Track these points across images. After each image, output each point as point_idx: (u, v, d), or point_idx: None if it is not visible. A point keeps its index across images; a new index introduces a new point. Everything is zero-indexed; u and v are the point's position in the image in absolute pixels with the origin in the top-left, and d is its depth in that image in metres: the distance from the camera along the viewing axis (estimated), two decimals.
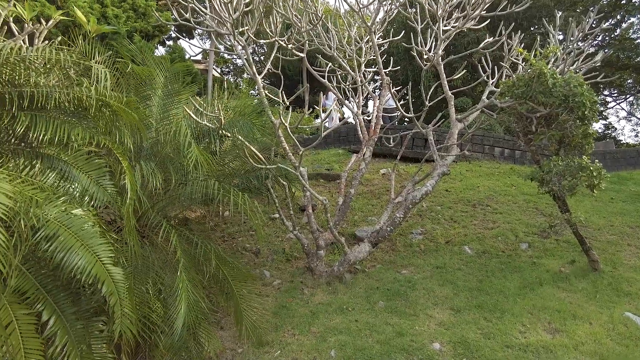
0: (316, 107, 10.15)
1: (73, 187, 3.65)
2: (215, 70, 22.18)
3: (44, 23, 5.18)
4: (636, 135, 23.17)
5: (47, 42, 5.30)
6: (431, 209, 8.26)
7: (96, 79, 3.08)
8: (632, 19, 18.75)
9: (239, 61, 26.15)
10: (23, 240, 2.59)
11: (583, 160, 4.95)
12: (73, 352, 3.04)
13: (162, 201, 4.74)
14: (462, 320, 5.12)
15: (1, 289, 2.63)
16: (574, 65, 6.12)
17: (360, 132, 7.82)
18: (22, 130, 3.16)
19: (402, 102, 8.08)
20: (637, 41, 18.65)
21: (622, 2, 17.71)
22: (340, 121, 12.26)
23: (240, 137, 4.85)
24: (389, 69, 8.29)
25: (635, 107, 21.65)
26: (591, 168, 4.85)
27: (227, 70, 25.28)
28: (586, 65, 6.43)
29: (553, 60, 5.89)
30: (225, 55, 23.94)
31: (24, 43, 4.60)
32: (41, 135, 3.23)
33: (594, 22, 6.41)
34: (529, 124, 5.43)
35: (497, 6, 6.69)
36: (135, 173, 3.70)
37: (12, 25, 5.11)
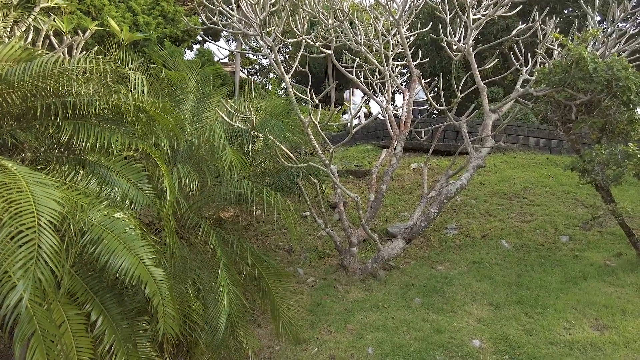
0: (345, 103, 10.10)
1: (113, 191, 3.78)
2: (242, 71, 22.48)
3: (81, 34, 5.38)
4: None
5: (84, 52, 5.51)
6: (466, 203, 8.07)
7: (133, 86, 3.17)
8: None
9: (265, 61, 26.40)
10: (72, 244, 2.70)
11: (629, 148, 4.70)
12: (120, 351, 3.15)
13: (197, 202, 4.85)
14: (502, 316, 4.98)
15: (54, 291, 2.75)
16: (616, 48, 5.81)
17: (390, 127, 7.73)
18: (66, 138, 3.30)
19: (432, 94, 7.92)
20: None
21: None
22: (366, 117, 12.17)
23: (271, 137, 4.89)
24: (418, 61, 8.13)
25: None
26: (639, 156, 4.60)
27: (253, 71, 25.53)
28: (630, 47, 6.10)
29: (592, 43, 5.61)
30: (251, 57, 24.19)
31: (64, 55, 4.80)
32: (83, 143, 3.35)
33: (637, 1, 6.05)
34: (567, 112, 5.20)
35: None
36: (173, 176, 3.79)
37: (52, 38, 5.34)
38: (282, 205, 4.38)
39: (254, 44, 24.19)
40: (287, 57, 22.98)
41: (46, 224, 2.30)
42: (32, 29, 4.92)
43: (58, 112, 3.20)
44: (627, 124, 5.08)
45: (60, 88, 3.20)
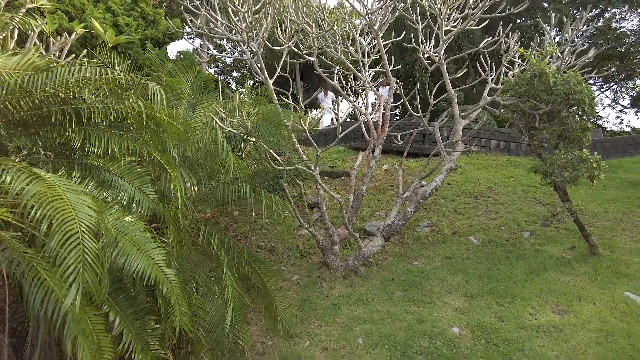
0: (322, 105, 10.40)
1: (119, 195, 3.89)
2: (208, 70, 22.24)
3: (66, 36, 5.35)
4: (620, 123, 23.92)
5: (72, 55, 5.47)
6: (435, 202, 8.62)
7: (152, 97, 3.30)
8: (614, 10, 19.34)
9: (228, 60, 26.19)
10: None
11: (583, 153, 5.33)
12: (137, 349, 3.29)
13: (192, 204, 4.98)
14: (476, 305, 5.48)
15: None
16: (569, 62, 6.50)
17: (364, 131, 8.12)
18: (78, 144, 3.38)
19: (401, 100, 8.38)
20: (619, 31, 19.26)
21: None
22: (333, 119, 12.56)
23: (261, 141, 5.11)
24: (391, 67, 8.57)
25: (619, 94, 22.33)
26: (591, 160, 5.23)
27: (218, 70, 25.28)
28: (580, 62, 6.82)
29: (548, 58, 6.25)
30: (215, 54, 23.94)
31: (53, 56, 4.77)
32: (95, 149, 3.45)
33: (586, 19, 6.78)
34: (531, 120, 5.79)
35: (494, 6, 7.05)
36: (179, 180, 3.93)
37: (35, 40, 5.27)
38: (276, 206, 4.62)
39: (219, 42, 23.98)
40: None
41: (86, 230, 2.44)
42: (16, 30, 4.86)
43: (72, 119, 3.28)
44: (580, 131, 5.72)
45: (73, 96, 3.28)
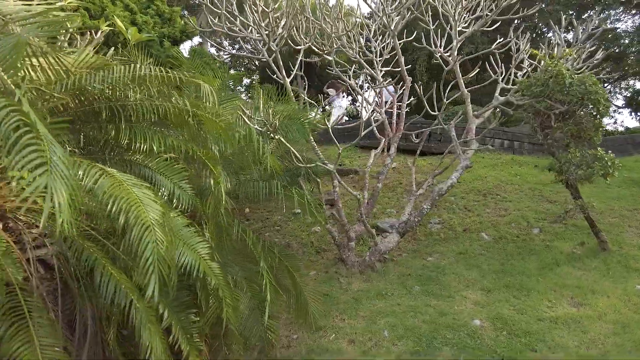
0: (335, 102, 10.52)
1: (160, 191, 3.97)
2: None
3: (93, 33, 5.39)
4: (614, 123, 24.35)
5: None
6: (446, 199, 8.78)
7: (204, 96, 3.39)
8: (609, 11, 19.73)
9: (225, 57, 26.18)
10: None
11: (598, 152, 5.52)
12: (184, 341, 3.39)
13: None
14: (494, 299, 5.65)
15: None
16: (579, 64, 6.69)
17: (375, 129, 8.25)
18: (125, 141, 3.46)
19: (413, 98, 8.53)
20: (614, 32, 19.63)
21: None
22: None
23: (286, 141, 5.22)
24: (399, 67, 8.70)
25: (613, 95, 22.75)
26: (606, 158, 5.42)
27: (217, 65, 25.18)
28: (590, 63, 7.02)
29: (562, 59, 6.44)
30: (213, 51, 23.90)
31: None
32: (140, 145, 3.53)
33: (595, 22, 6.99)
34: (546, 119, 5.97)
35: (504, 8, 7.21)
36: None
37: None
38: (311, 202, 4.74)
39: (217, 40, 23.94)
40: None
41: (156, 223, 2.53)
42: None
43: (120, 116, 3.36)
44: (593, 130, 5.91)
45: (121, 93, 3.36)
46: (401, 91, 7.33)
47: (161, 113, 3.54)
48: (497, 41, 7.28)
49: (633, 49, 17.55)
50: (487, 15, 6.64)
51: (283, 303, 5.70)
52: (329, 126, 5.48)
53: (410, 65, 8.31)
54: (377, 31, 7.72)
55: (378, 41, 8.13)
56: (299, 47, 6.40)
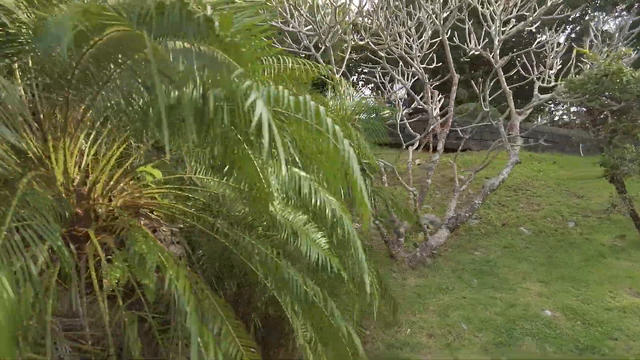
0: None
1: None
2: None
3: None
4: None
5: None
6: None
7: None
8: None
9: None
10: None
11: None
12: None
13: None
14: (554, 290, 5.83)
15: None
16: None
17: (408, 127, 8.36)
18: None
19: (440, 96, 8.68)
20: None
21: None
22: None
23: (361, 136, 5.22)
24: (434, 65, 8.83)
25: None
26: None
27: None
28: (623, 62, 7.30)
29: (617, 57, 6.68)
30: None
31: None
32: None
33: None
34: (597, 116, 6.20)
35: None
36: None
37: None
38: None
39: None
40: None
41: (338, 218, 2.52)
42: None
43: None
44: None
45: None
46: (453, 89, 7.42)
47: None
48: (537, 40, 7.46)
49: None
50: (531, 15, 6.80)
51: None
52: (398, 122, 5.50)
53: (440, 63, 8.39)
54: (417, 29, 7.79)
55: (412, 38, 8.23)
56: (362, 43, 6.41)
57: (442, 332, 5.10)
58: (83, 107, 2.28)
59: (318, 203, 2.45)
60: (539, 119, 7.22)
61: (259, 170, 2.29)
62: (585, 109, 6.31)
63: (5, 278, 1.18)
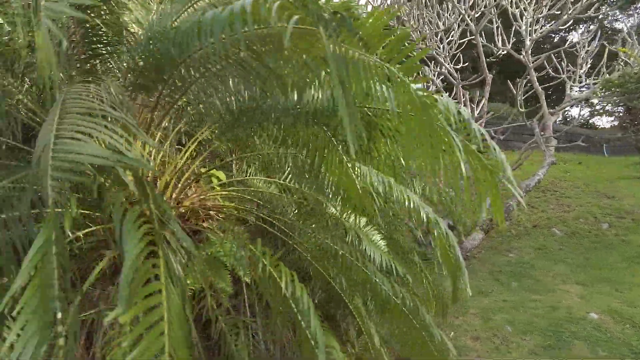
0: None
1: None
2: None
3: None
4: None
5: None
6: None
7: None
8: None
9: None
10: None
11: None
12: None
13: None
14: (596, 292, 5.74)
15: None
16: None
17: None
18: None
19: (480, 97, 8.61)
20: None
21: None
22: None
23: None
24: (461, 65, 8.77)
25: None
26: None
27: None
28: None
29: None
30: None
31: None
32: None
33: None
34: (637, 115, 6.12)
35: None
36: None
37: None
38: None
39: None
40: None
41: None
42: None
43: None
44: None
45: None
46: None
47: None
48: (569, 41, 7.38)
49: None
50: (566, 13, 6.73)
51: None
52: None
53: (467, 63, 8.33)
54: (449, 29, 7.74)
55: (441, 38, 8.18)
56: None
57: (487, 335, 5.03)
58: (169, 107, 2.26)
59: (412, 206, 2.39)
60: (575, 119, 7.12)
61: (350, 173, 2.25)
62: (623, 109, 6.23)
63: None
